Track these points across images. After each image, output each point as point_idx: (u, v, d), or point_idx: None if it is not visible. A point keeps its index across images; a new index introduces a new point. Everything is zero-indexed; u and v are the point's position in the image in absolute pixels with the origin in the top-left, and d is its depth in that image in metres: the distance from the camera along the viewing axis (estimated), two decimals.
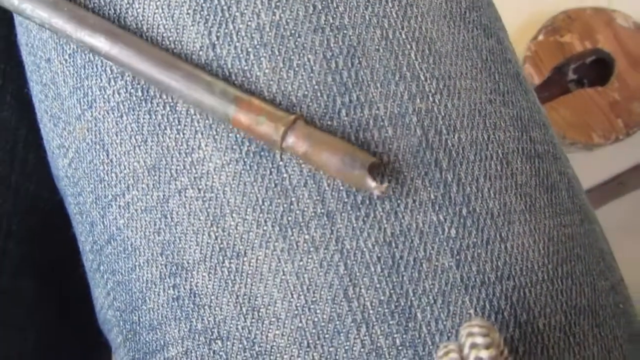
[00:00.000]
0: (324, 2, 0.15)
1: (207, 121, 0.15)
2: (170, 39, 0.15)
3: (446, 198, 0.15)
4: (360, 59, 0.15)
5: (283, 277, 0.14)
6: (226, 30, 0.15)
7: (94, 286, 0.19)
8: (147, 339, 0.16)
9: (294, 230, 0.14)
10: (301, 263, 0.14)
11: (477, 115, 0.16)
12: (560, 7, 0.59)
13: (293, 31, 0.14)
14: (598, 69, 0.59)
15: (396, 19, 0.15)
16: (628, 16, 0.60)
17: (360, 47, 0.15)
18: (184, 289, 0.15)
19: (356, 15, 0.15)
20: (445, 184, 0.15)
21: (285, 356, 0.14)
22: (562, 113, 0.58)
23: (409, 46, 0.15)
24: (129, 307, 0.16)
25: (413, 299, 0.14)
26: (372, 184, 0.13)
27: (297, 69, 0.14)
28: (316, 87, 0.14)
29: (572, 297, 0.16)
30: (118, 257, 0.16)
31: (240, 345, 0.15)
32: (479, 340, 0.12)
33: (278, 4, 0.15)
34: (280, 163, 0.14)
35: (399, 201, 0.14)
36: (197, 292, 0.15)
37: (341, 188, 0.14)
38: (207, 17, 0.15)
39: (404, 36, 0.15)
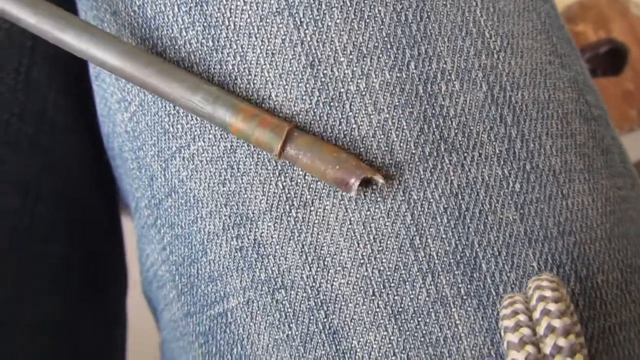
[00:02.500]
0: None
1: (278, 70, 0.15)
2: None
3: (510, 153, 0.15)
4: (429, 13, 0.15)
5: (350, 226, 0.15)
6: None
7: (145, 243, 0.19)
8: (206, 291, 0.16)
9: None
10: (368, 213, 0.15)
11: (538, 74, 0.16)
12: None
13: None
14: (612, 59, 0.59)
15: None
16: None
17: (428, 1, 0.15)
18: (248, 239, 0.15)
19: None
20: (510, 139, 0.15)
21: (350, 304, 0.15)
22: None
23: (474, 3, 0.16)
24: (187, 260, 0.17)
25: (478, 250, 0.15)
26: (354, 193, 0.14)
27: (367, 20, 0.15)
28: (386, 38, 0.15)
29: (627, 256, 0.16)
30: (178, 210, 0.17)
31: (305, 294, 0.15)
32: (548, 293, 0.13)
33: None
34: (350, 113, 0.15)
35: (465, 154, 0.15)
36: (261, 242, 0.15)
37: (409, 139, 0.15)
38: None
39: None
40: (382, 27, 0.15)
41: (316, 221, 0.15)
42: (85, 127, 0.25)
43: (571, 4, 0.60)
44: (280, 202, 0.15)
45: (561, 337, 0.12)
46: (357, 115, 0.15)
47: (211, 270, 0.16)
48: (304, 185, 0.15)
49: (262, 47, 0.15)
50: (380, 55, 0.15)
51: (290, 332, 0.15)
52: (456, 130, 0.15)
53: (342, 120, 0.15)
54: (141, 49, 0.15)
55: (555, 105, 0.16)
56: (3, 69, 0.21)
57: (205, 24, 0.15)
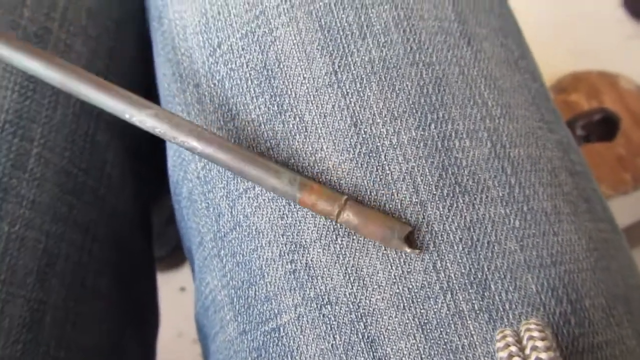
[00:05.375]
0: (418, 44, 0.20)
1: (329, 128, 0.20)
2: (303, 67, 0.20)
3: (511, 196, 0.19)
4: (445, 87, 0.20)
5: (384, 251, 0.19)
6: (346, 62, 0.20)
7: (206, 273, 0.23)
8: (262, 310, 0.20)
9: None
10: None
11: (530, 136, 0.21)
12: (568, 70, 0.66)
13: (396, 64, 0.20)
14: (605, 126, 0.65)
15: (469, 60, 0.21)
16: (630, 79, 0.67)
17: (444, 78, 0.20)
18: (301, 263, 0.19)
19: (441, 55, 0.20)
20: (510, 185, 0.19)
21: (384, 317, 0.19)
22: None
23: (479, 81, 0.20)
24: (246, 283, 0.21)
25: (487, 273, 0.19)
26: (407, 249, 0.18)
27: (398, 91, 0.20)
28: (412, 105, 0.19)
29: (609, 286, 0.20)
30: (241, 241, 0.21)
31: (347, 309, 0.19)
32: (535, 334, 0.16)
33: (385, 44, 0.20)
34: (385, 162, 0.19)
35: (475, 196, 0.19)
36: (312, 265, 0.19)
37: (431, 183, 0.19)
38: (332, 51, 0.20)
39: (475, 73, 0.20)
40: (409, 96, 0.20)
41: (357, 247, 0.19)
42: (134, 184, 0.30)
43: (564, 75, 0.66)
44: (328, 232, 0.19)
45: None
46: (390, 163, 0.19)
47: (267, 291, 0.20)
48: None
49: (316, 111, 0.20)
50: (408, 118, 0.19)
51: (334, 342, 0.19)
52: (467, 177, 0.19)
53: (378, 167, 0.19)
54: (232, 143, 0.19)
55: (545, 160, 0.21)
56: (76, 132, 0.26)
57: (272, 93, 0.20)
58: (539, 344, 0.16)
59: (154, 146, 0.30)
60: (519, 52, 0.23)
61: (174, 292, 0.69)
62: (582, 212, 0.21)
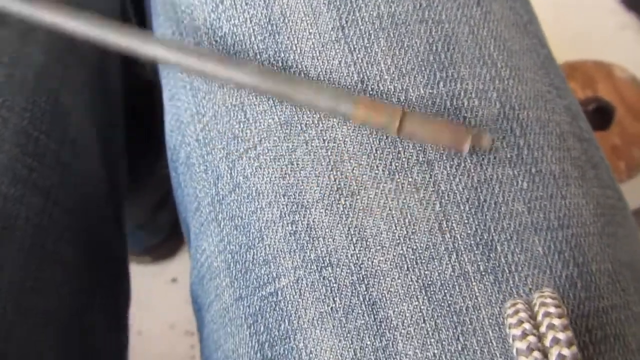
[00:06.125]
0: (427, 1, 0.20)
1: (334, 85, 0.19)
2: (309, 22, 0.19)
3: (519, 157, 0.19)
4: (454, 46, 0.19)
5: (389, 212, 0.18)
6: (353, 17, 0.19)
7: (202, 239, 0.22)
8: (259, 274, 0.20)
9: (400, 173, 0.18)
10: (405, 201, 0.18)
11: (540, 99, 0.20)
12: (562, 59, 0.66)
13: (404, 20, 0.19)
14: (599, 116, 0.65)
15: (479, 20, 0.20)
16: (625, 69, 0.68)
17: (454, 37, 0.20)
18: (302, 224, 0.19)
19: (450, 13, 0.20)
20: (518, 147, 0.19)
21: (387, 278, 0.18)
22: None
23: (488, 41, 0.20)
24: (244, 247, 0.20)
25: (494, 234, 0.18)
26: (486, 142, 0.18)
27: (407, 48, 0.19)
28: (421, 62, 0.19)
29: (616, 252, 0.20)
30: (240, 204, 0.20)
31: (349, 270, 0.18)
32: (552, 309, 0.15)
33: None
34: None
35: (483, 156, 0.19)
36: (313, 226, 0.19)
37: None
38: (339, 6, 0.19)
39: (485, 33, 0.20)
40: (417, 53, 0.19)
41: (361, 207, 0.18)
42: (103, 151, 0.29)
43: (560, 65, 0.66)
44: (331, 192, 0.19)
45: (565, 348, 0.15)
46: None
47: (266, 254, 0.19)
48: (352, 177, 0.19)
49: (322, 67, 0.19)
50: (417, 75, 0.19)
51: (334, 305, 0.18)
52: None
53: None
54: (269, 69, 0.19)
55: (554, 124, 0.20)
56: (36, 93, 0.25)
57: (276, 49, 0.20)
58: (557, 322, 0.15)
59: (130, 113, 0.29)
60: (527, 17, 0.22)
61: (165, 283, 0.69)
62: (589, 178, 0.20)
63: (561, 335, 0.15)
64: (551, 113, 0.20)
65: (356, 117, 0.18)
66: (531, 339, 0.15)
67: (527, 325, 0.15)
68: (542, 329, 0.15)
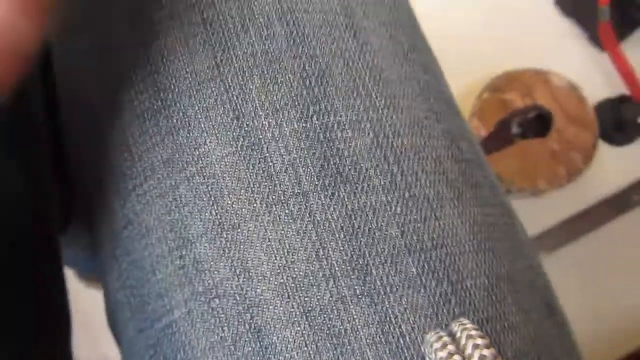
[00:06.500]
0: (301, 37, 0.21)
1: (211, 122, 0.20)
2: (185, 61, 0.20)
3: (393, 184, 0.20)
4: (328, 79, 0.21)
5: (269, 243, 0.19)
6: (228, 55, 0.20)
7: (108, 274, 0.23)
8: (155, 307, 0.20)
9: (277, 206, 0.19)
10: (282, 232, 0.19)
11: (415, 126, 0.22)
12: (502, 69, 0.69)
13: (278, 57, 0.20)
14: (540, 123, 0.67)
15: (354, 53, 0.21)
16: (562, 76, 0.70)
17: (328, 71, 0.21)
18: (189, 258, 0.20)
19: (325, 47, 0.21)
20: (392, 174, 0.20)
21: (270, 306, 0.19)
22: (508, 162, 0.66)
23: (363, 73, 0.21)
24: (140, 282, 0.21)
25: (369, 258, 0.19)
26: None
27: (280, 84, 0.20)
28: (294, 97, 0.20)
29: (493, 266, 0.21)
30: (133, 239, 0.21)
31: (234, 301, 0.19)
32: (474, 332, 0.17)
33: (267, 37, 0.21)
34: (267, 154, 0.20)
35: (357, 185, 0.20)
36: (199, 259, 0.20)
37: (313, 174, 0.20)
38: (214, 45, 0.20)
39: (360, 65, 0.21)
40: (291, 89, 0.20)
41: (242, 240, 0.19)
42: (20, 159, 0.27)
43: (499, 75, 0.69)
44: (214, 226, 0.20)
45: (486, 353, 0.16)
46: (272, 155, 0.20)
47: (159, 288, 0.20)
48: (232, 211, 0.20)
49: (199, 105, 0.20)
50: (290, 110, 0.20)
51: (223, 334, 0.19)
52: (349, 167, 0.20)
53: (260, 159, 0.20)
54: None
55: (430, 149, 0.22)
56: None
57: (155, 89, 0.21)
58: (480, 341, 0.17)
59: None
60: (409, 44, 0.24)
61: None
62: (467, 198, 0.22)
63: (486, 352, 0.16)
64: (427, 138, 0.22)
65: None
66: (457, 357, 0.17)
67: (451, 347, 0.17)
68: (468, 350, 0.17)
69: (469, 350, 0.17)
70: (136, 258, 0.21)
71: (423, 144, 0.22)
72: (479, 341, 0.17)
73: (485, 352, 0.17)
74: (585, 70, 0.74)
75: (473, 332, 0.17)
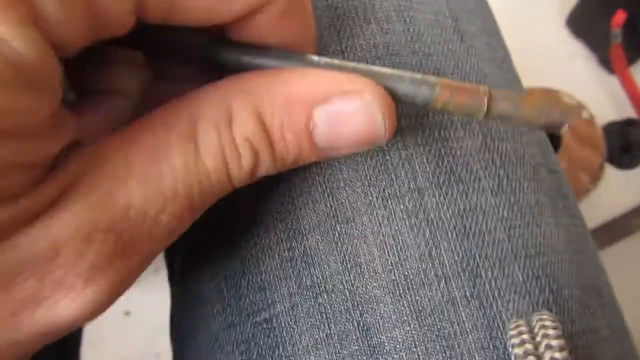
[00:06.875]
0: (417, 35, 0.21)
1: None
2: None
3: (500, 187, 0.20)
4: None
5: (382, 238, 0.19)
6: (352, 43, 0.20)
7: (191, 265, 0.22)
8: (254, 300, 0.20)
9: (392, 200, 0.19)
10: (397, 227, 0.19)
11: (515, 132, 0.22)
12: None
13: (397, 51, 0.20)
14: (550, 142, 0.69)
15: (462, 55, 0.22)
16: (572, 96, 0.72)
17: (441, 69, 0.21)
18: (298, 250, 0.20)
19: (437, 47, 0.21)
20: (499, 177, 0.21)
21: (380, 304, 0.19)
22: None
23: (471, 76, 0.22)
24: (239, 273, 0.20)
25: (479, 261, 0.19)
26: (565, 131, 0.16)
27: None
28: None
29: (584, 278, 0.22)
30: (236, 229, 0.20)
31: (343, 297, 0.19)
32: (551, 332, 0.17)
33: (388, 30, 0.21)
34: (385, 148, 0.20)
35: (468, 185, 0.20)
36: (309, 252, 0.19)
37: (428, 170, 0.20)
38: (339, 30, 0.20)
39: (468, 68, 0.21)
40: None
41: (356, 234, 0.19)
42: None
43: None
44: (327, 219, 0.19)
45: None
46: (390, 149, 0.20)
47: (261, 280, 0.20)
48: (347, 204, 0.19)
49: None
50: None
51: (329, 331, 0.19)
52: (462, 167, 0.20)
53: (379, 151, 0.20)
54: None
55: (529, 156, 0.22)
56: None
57: None
58: (554, 342, 0.16)
59: None
60: (502, 53, 0.24)
61: (118, 316, 0.67)
62: (560, 208, 0.22)
63: (557, 355, 0.16)
64: (526, 146, 0.22)
65: (438, 100, 0.16)
66: (531, 358, 0.16)
67: (529, 346, 0.17)
68: (541, 349, 0.17)
69: (541, 349, 0.17)
70: (237, 248, 0.20)
71: (523, 151, 0.22)
72: (554, 342, 0.17)
73: (557, 355, 0.17)
74: (593, 92, 0.76)
75: (551, 332, 0.17)
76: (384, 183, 0.19)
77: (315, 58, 0.17)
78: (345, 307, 0.19)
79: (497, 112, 0.16)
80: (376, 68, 0.17)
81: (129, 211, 0.14)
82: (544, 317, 0.17)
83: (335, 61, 0.17)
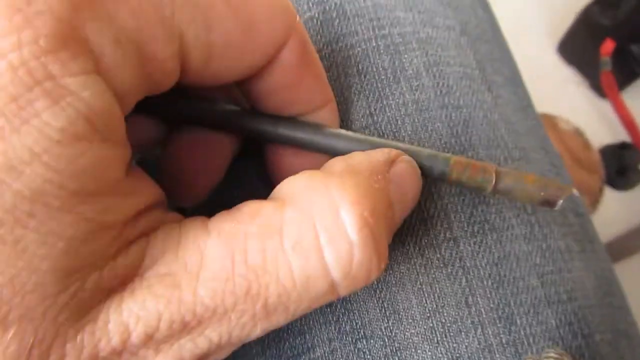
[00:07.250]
0: (446, 88, 0.22)
1: None
2: (342, 110, 0.21)
3: (532, 234, 0.21)
4: (472, 129, 0.21)
5: (419, 286, 0.20)
6: (381, 105, 0.21)
7: None
8: (294, 344, 0.20)
9: (429, 250, 0.20)
10: (434, 276, 0.20)
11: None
12: None
13: (427, 106, 0.21)
14: None
15: (491, 105, 0.22)
16: (569, 121, 0.73)
17: (470, 121, 0.22)
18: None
19: (467, 99, 0.22)
20: (530, 224, 0.21)
21: (418, 350, 0.19)
22: None
23: (500, 124, 0.22)
24: None
25: (514, 307, 0.20)
26: (558, 208, 0.18)
27: (430, 132, 0.21)
28: (444, 145, 0.21)
29: (614, 322, 0.22)
30: None
31: (382, 342, 0.19)
32: None
33: (417, 87, 0.21)
34: (420, 199, 0.20)
35: (502, 233, 0.21)
36: (348, 298, 0.20)
37: (463, 220, 0.20)
38: (368, 95, 0.21)
39: (496, 117, 0.22)
40: (440, 137, 0.21)
41: (394, 281, 0.20)
42: None
43: None
44: None
45: None
46: (426, 200, 0.20)
47: (301, 325, 0.20)
48: None
49: None
50: None
51: None
52: (495, 215, 0.21)
53: (418, 211, 0.20)
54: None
55: None
56: None
57: None
58: None
59: None
60: (526, 100, 0.25)
61: None
62: (588, 252, 0.23)
63: None
64: None
65: (452, 174, 0.18)
66: None
67: None
68: None
69: None
70: None
71: None
72: None
73: None
74: (587, 116, 0.78)
75: None
76: (420, 232, 0.20)
77: (343, 132, 0.19)
78: (384, 352, 0.19)
79: (503, 186, 0.18)
80: (401, 144, 0.18)
81: (195, 307, 0.14)
82: (550, 354, 0.18)
83: (360, 136, 0.19)
